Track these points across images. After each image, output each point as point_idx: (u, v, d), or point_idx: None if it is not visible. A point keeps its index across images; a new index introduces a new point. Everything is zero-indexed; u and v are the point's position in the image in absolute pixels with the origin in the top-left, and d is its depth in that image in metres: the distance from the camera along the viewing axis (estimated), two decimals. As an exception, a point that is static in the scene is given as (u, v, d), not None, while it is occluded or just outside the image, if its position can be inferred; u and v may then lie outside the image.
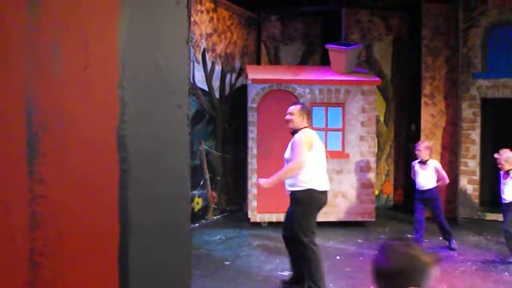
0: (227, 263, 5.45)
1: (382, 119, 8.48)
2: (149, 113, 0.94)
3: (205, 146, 7.55)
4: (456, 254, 5.79)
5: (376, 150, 7.70)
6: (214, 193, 7.82)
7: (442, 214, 6.12)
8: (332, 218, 7.14)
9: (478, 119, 7.64)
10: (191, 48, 6.81)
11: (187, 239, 0.99)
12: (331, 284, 4.68)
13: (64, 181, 0.80)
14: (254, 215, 7.08)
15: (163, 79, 0.95)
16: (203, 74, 7.49)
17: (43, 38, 0.78)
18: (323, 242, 6.26)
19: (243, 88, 7.93)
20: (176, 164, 0.98)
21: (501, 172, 5.64)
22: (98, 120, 0.85)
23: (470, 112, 7.65)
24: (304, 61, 8.87)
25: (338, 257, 5.63)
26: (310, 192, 4.27)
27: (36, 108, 0.77)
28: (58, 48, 0.80)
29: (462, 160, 7.66)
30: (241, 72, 8.35)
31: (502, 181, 5.62)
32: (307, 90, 7.06)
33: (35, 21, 0.78)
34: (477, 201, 7.70)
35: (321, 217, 7.08)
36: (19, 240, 0.73)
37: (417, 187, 6.12)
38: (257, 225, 7.10)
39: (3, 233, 0.72)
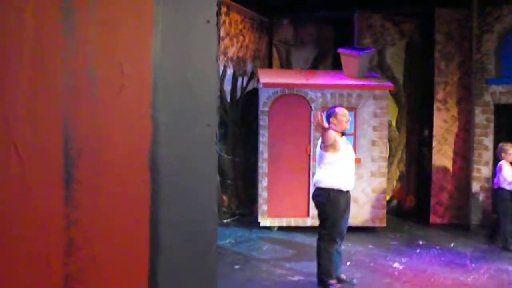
0: (236, 267, 5.45)
1: (394, 124, 8.43)
2: (179, 134, 0.93)
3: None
4: (468, 262, 5.73)
5: (387, 155, 7.66)
6: (224, 197, 7.82)
7: None
8: (342, 223, 7.10)
9: (491, 125, 7.56)
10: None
11: (214, 259, 0.98)
12: (343, 291, 4.66)
13: (97, 205, 0.80)
14: (264, 219, 7.07)
15: (194, 98, 0.95)
16: (215, 77, 7.49)
17: (80, 62, 0.78)
18: (334, 248, 6.24)
19: (255, 92, 7.93)
20: (205, 184, 0.98)
21: None
22: (131, 142, 0.85)
23: (483, 118, 7.58)
24: (315, 65, 8.85)
25: (348, 263, 5.60)
26: None
27: (73, 133, 0.77)
28: (94, 71, 0.80)
29: (475, 166, 7.58)
30: (253, 76, 8.35)
31: None
32: (319, 95, 7.04)
33: (72, 46, 0.78)
34: (489, 207, 7.63)
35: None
36: (54, 266, 0.73)
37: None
38: (267, 229, 7.09)
39: (39, 259, 0.72)
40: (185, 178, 0.95)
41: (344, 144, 4.67)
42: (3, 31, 0.72)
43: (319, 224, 4.71)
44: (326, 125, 4.41)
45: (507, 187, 6.21)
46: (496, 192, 6.36)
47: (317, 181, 4.66)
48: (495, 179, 6.39)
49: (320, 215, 4.68)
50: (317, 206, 4.68)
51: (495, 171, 6.39)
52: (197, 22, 0.95)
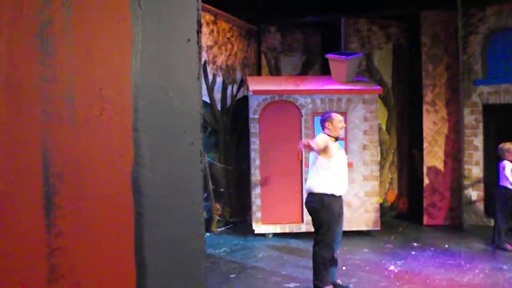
0: (232, 276, 5.42)
1: (384, 127, 8.47)
2: (162, 154, 0.93)
3: (207, 158, 7.54)
4: (462, 262, 5.75)
5: (379, 158, 7.69)
6: (217, 205, 7.80)
7: None
8: (336, 228, 7.11)
9: (480, 125, 7.64)
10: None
11: (202, 277, 0.98)
12: (339, 297, 4.65)
13: (81, 232, 0.80)
14: (259, 227, 7.06)
15: (176, 118, 0.95)
16: (204, 86, 7.50)
17: (58, 88, 0.78)
18: (329, 253, 6.24)
19: (245, 100, 7.94)
20: (190, 203, 0.97)
21: None
22: (113, 165, 0.84)
23: (472, 118, 7.65)
24: (304, 71, 8.89)
25: (344, 268, 5.59)
26: None
27: (53, 159, 0.77)
28: (72, 96, 0.79)
29: (466, 166, 7.64)
30: (242, 83, 8.37)
31: None
32: (309, 100, 7.07)
33: (49, 72, 0.77)
34: (482, 207, 7.67)
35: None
36: (38, 294, 0.72)
37: None
38: (262, 236, 7.07)
39: (22, 288, 0.71)
40: (170, 198, 0.94)
41: (336, 150, 4.70)
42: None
43: (314, 230, 4.72)
44: (313, 144, 4.44)
45: (510, 186, 6.26)
46: (498, 190, 6.42)
47: (310, 186, 4.68)
48: (499, 178, 6.42)
49: (314, 221, 4.68)
50: (311, 212, 4.69)
51: (498, 170, 6.44)
52: (177, 41, 0.95)
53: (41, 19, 0.78)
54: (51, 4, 0.78)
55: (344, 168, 4.74)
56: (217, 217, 7.76)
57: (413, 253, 6.22)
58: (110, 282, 0.83)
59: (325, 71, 8.32)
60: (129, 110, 0.86)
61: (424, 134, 7.85)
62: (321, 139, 4.54)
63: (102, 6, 0.84)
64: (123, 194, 0.85)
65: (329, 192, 4.55)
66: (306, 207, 4.81)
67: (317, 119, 7.16)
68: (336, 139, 4.72)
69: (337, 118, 4.69)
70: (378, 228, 7.17)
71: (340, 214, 4.67)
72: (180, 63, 0.97)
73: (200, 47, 0.99)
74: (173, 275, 0.93)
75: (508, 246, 6.24)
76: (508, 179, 6.23)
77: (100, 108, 0.82)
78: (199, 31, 0.99)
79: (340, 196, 4.67)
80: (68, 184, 0.78)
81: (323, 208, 4.53)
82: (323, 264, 4.56)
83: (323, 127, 4.71)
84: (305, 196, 6.95)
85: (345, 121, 7.17)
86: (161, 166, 0.92)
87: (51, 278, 0.75)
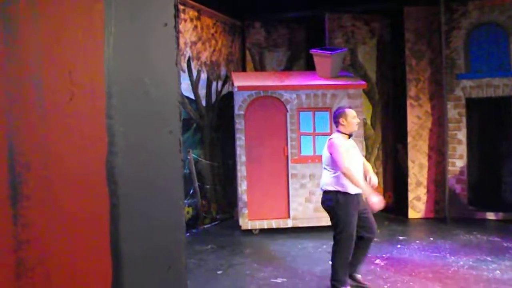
0: (219, 272, 5.39)
1: (369, 122, 8.51)
2: (139, 142, 0.89)
3: (193, 155, 7.49)
4: (447, 255, 5.80)
5: (364, 153, 7.72)
6: (204, 202, 7.76)
7: None
8: (323, 222, 7.12)
9: (464, 119, 7.72)
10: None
11: (183, 270, 0.94)
12: (326, 291, 4.66)
13: (51, 223, 0.76)
14: (245, 223, 7.04)
15: (153, 105, 0.91)
16: (189, 82, 7.44)
17: (24, 71, 0.73)
18: (316, 248, 6.24)
19: (230, 96, 7.90)
20: (170, 193, 0.94)
21: None
22: (85, 153, 0.80)
23: (455, 112, 7.73)
24: (289, 67, 8.88)
25: (330, 262, 5.60)
26: None
27: (18, 147, 0.73)
28: (40, 80, 0.75)
29: (450, 160, 7.72)
30: (227, 79, 8.32)
31: None
32: (294, 96, 7.06)
33: (14, 54, 0.73)
34: (465, 200, 7.76)
35: (314, 222, 7.11)
36: (4, 289, 0.68)
37: None
38: (249, 232, 7.06)
39: (-14, 283, 0.67)
40: (148, 188, 0.91)
41: (351, 147, 4.46)
42: None
43: (333, 228, 4.51)
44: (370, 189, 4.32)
45: None
46: None
47: (324, 185, 4.49)
48: None
49: (331, 219, 4.50)
50: (327, 211, 4.51)
51: None
52: (153, 26, 0.92)
53: (2, -3, 0.73)
54: (14, -19, 0.74)
55: (359, 165, 4.49)
56: (204, 214, 7.71)
57: (398, 246, 6.26)
58: (84, 275, 0.79)
59: (309, 66, 8.32)
60: (102, 96, 0.82)
61: (408, 128, 7.91)
62: (339, 152, 4.29)
63: (71, -14, 0.80)
64: (96, 184, 0.82)
65: (343, 190, 4.35)
66: (322, 205, 4.58)
67: (303, 115, 7.16)
68: (350, 136, 4.48)
69: (351, 113, 4.45)
70: (364, 223, 7.19)
71: (358, 209, 4.42)
72: (157, 48, 0.93)
73: (178, 32, 0.96)
74: (153, 266, 0.89)
75: None
76: None
77: (70, 93, 0.78)
78: (176, 16, 0.95)
79: (358, 195, 4.41)
80: (36, 173, 0.74)
81: (339, 206, 4.35)
82: (341, 263, 4.38)
83: (337, 123, 4.47)
84: (293, 191, 6.98)
85: (330, 116, 7.18)
86: (138, 155, 0.88)
87: (19, 272, 0.71)
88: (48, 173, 0.75)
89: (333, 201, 4.40)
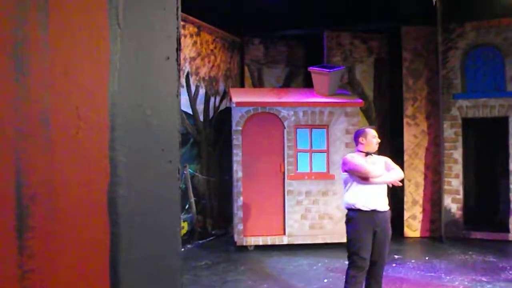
0: (214, 289, 5.37)
1: (365, 139, 8.55)
2: (139, 172, 0.92)
3: (190, 170, 7.50)
4: (442, 274, 5.80)
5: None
6: (199, 217, 7.75)
7: None
8: (319, 240, 7.12)
9: (460, 138, 7.78)
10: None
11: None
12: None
13: (54, 252, 0.78)
14: (241, 239, 7.03)
15: (154, 136, 0.94)
16: (187, 97, 7.50)
17: (33, 107, 0.77)
18: (311, 266, 6.23)
19: (227, 111, 7.95)
20: (168, 221, 0.97)
21: None
22: (88, 185, 0.83)
23: (451, 132, 7.79)
24: (287, 84, 8.96)
25: (326, 280, 5.59)
26: None
27: (26, 180, 0.75)
28: (48, 116, 0.78)
29: (446, 179, 7.75)
30: (225, 95, 8.39)
31: None
32: (291, 112, 7.11)
33: (23, 91, 0.76)
34: (461, 219, 7.78)
35: (309, 239, 7.11)
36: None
37: None
38: (244, 248, 7.04)
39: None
40: (147, 217, 0.94)
41: (370, 165, 4.36)
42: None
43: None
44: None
45: None
46: None
47: (343, 202, 4.49)
48: None
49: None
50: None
51: None
52: (156, 59, 0.95)
53: (15, 38, 0.77)
54: (26, 23, 0.77)
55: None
56: (199, 229, 7.70)
57: (394, 265, 6.26)
58: (84, 304, 0.81)
59: (308, 83, 8.40)
60: (106, 129, 0.85)
61: (405, 147, 7.96)
62: (353, 163, 4.28)
63: (80, 25, 0.83)
64: (98, 214, 0.84)
65: (355, 207, 4.27)
66: None
67: (300, 132, 7.21)
68: (367, 154, 4.41)
69: (371, 133, 4.44)
70: (360, 240, 7.19)
71: (369, 232, 4.26)
72: (159, 81, 0.97)
73: (179, 65, 1.00)
74: (149, 294, 0.92)
75: None
76: None
77: (76, 127, 0.81)
78: (178, 49, 0.99)
79: (372, 212, 4.27)
80: (41, 205, 0.76)
81: (349, 223, 4.31)
82: (350, 282, 4.23)
83: (357, 143, 4.45)
84: (288, 208, 6.98)
85: (327, 134, 7.23)
86: (138, 185, 0.91)
87: (22, 302, 0.73)
88: (53, 205, 0.78)
89: (346, 218, 4.39)
